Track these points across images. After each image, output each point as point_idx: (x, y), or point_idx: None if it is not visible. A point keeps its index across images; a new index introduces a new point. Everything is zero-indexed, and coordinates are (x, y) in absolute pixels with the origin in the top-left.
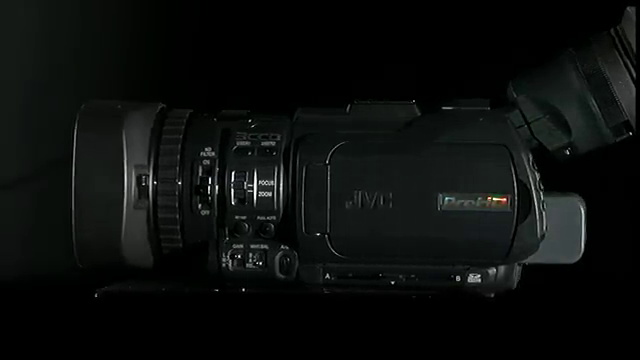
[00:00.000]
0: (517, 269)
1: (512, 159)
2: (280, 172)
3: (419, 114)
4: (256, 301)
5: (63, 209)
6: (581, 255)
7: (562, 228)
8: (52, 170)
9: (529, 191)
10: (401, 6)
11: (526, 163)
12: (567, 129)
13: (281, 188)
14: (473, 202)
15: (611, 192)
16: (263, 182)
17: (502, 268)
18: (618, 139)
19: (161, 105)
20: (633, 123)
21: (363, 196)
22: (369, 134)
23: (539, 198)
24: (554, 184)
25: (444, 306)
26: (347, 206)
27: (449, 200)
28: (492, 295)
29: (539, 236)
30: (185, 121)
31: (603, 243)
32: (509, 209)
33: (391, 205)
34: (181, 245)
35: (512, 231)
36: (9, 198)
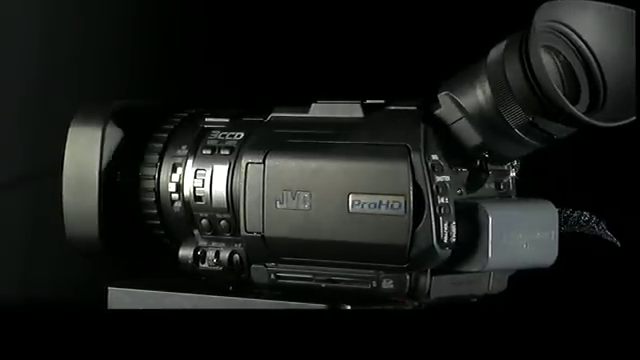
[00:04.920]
0: (428, 277)
1: (410, 160)
2: (232, 171)
3: (362, 114)
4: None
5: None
6: (488, 264)
7: (471, 236)
8: (52, 170)
9: (424, 195)
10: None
11: (424, 165)
12: (479, 130)
13: (233, 187)
14: (375, 205)
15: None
16: (218, 181)
17: (415, 275)
18: (540, 143)
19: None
20: (545, 124)
21: (290, 197)
22: (307, 134)
23: (435, 203)
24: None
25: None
26: (278, 206)
27: (356, 202)
28: (417, 304)
29: (435, 243)
30: (181, 120)
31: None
32: (404, 213)
33: (311, 207)
34: (167, 241)
35: (408, 236)
36: (9, 198)
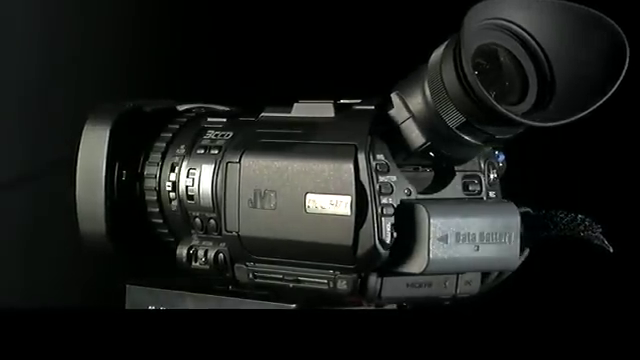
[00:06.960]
0: (376, 277)
1: (356, 160)
2: (217, 170)
3: (333, 114)
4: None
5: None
6: (428, 266)
7: (414, 237)
8: (52, 170)
9: (366, 195)
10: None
11: (368, 165)
12: (424, 131)
13: (217, 186)
14: (326, 204)
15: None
16: (205, 180)
17: (364, 275)
18: (483, 143)
19: (193, 105)
20: (482, 125)
21: (259, 197)
22: (280, 134)
23: (378, 203)
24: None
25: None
26: (249, 206)
27: (312, 202)
28: (372, 307)
29: (377, 243)
30: (187, 120)
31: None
32: (350, 213)
33: (275, 207)
34: (170, 240)
35: (352, 236)
36: (9, 198)
